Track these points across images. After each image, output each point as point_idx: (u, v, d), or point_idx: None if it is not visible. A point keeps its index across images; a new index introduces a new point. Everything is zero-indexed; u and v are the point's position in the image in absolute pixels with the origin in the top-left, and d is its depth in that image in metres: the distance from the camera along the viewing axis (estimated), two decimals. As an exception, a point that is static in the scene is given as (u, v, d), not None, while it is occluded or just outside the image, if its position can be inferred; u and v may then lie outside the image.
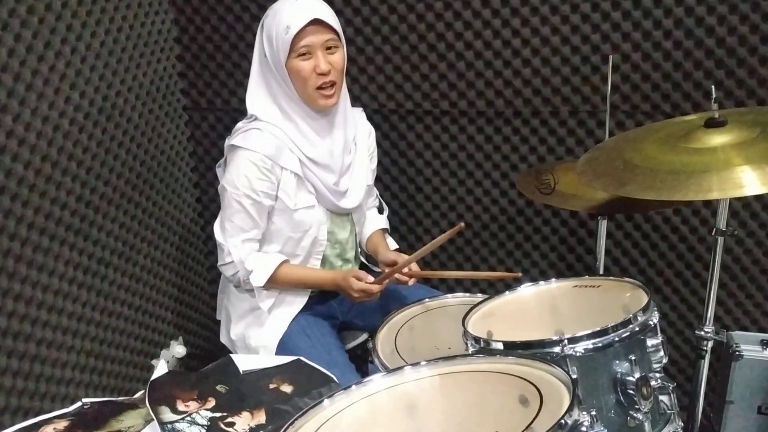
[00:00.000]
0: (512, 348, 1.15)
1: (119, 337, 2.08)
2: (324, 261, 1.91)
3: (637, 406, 1.13)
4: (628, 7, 1.95)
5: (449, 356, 1.11)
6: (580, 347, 1.12)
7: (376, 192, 2.12)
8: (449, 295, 1.84)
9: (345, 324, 2.01)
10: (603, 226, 1.86)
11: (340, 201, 1.85)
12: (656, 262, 2.21)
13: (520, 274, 1.66)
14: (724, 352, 2.26)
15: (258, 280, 1.77)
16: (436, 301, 1.83)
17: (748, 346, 2.24)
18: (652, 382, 1.14)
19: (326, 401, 1.05)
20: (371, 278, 1.75)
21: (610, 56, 1.70)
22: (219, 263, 1.82)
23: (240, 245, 1.78)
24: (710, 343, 1.49)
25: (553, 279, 1.43)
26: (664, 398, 1.22)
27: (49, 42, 1.79)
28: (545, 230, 2.29)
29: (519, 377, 0.99)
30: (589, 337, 1.14)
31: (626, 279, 1.35)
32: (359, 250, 2.03)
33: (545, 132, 2.16)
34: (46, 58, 1.78)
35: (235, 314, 1.92)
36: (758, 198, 2.06)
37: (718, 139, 1.34)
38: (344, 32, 2.22)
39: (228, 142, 1.80)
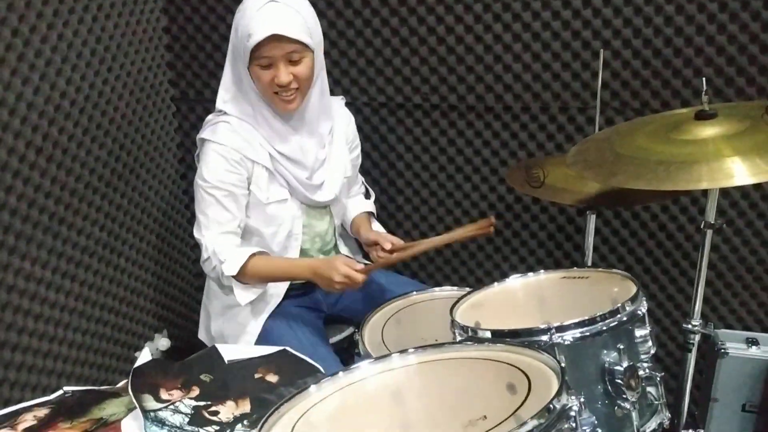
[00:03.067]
0: (500, 336, 1.14)
1: (102, 327, 2.05)
2: (305, 255, 1.89)
3: (624, 396, 1.12)
4: (619, 4, 1.95)
5: (438, 344, 1.10)
6: (568, 336, 1.12)
7: (361, 179, 2.11)
8: (436, 289, 1.83)
9: (331, 317, 1.99)
10: (591, 221, 1.86)
11: (315, 194, 1.83)
12: (643, 258, 2.21)
13: (493, 219, 1.61)
14: (709, 349, 2.27)
15: (230, 269, 1.71)
16: (423, 294, 1.83)
17: (734, 344, 2.25)
18: (640, 372, 1.14)
19: (312, 387, 1.04)
20: (360, 266, 1.69)
21: (601, 51, 1.70)
22: (201, 261, 1.78)
23: (216, 237, 1.73)
24: (697, 337, 1.50)
25: (542, 270, 1.42)
26: (651, 389, 1.21)
27: (35, 27, 1.77)
28: (533, 226, 2.28)
29: (507, 364, 0.99)
30: (577, 325, 1.13)
31: (614, 270, 1.34)
32: (338, 241, 2.00)
33: (535, 128, 2.16)
34: (31, 43, 1.76)
35: (213, 311, 1.90)
36: (745, 195, 2.07)
37: (707, 131, 1.34)
38: (334, 24, 2.23)
39: (198, 135, 1.78)
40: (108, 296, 2.08)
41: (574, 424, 0.87)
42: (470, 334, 1.19)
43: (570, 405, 0.85)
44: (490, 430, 0.80)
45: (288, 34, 1.61)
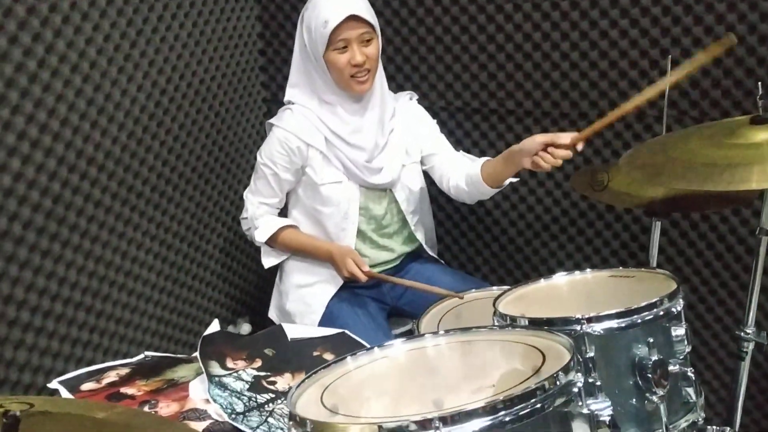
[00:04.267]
0: (535, 325, 1.19)
1: (188, 307, 2.22)
2: (362, 236, 2.00)
3: (654, 390, 1.14)
4: (679, 13, 1.93)
5: (467, 327, 1.16)
6: (599, 327, 1.15)
7: (460, 151, 2.11)
8: (494, 288, 1.88)
9: (394, 309, 2.08)
10: (657, 228, 1.85)
11: (372, 177, 1.95)
12: (693, 260, 2.15)
13: (462, 296, 1.79)
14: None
15: (261, 236, 1.98)
16: (482, 292, 1.87)
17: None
18: (671, 368, 1.16)
19: (349, 359, 1.13)
20: (366, 268, 1.91)
21: (669, 58, 1.70)
22: (240, 217, 2.08)
23: (257, 205, 2.01)
24: (751, 345, 1.47)
25: (588, 269, 1.45)
26: (688, 389, 1.22)
27: (141, 30, 1.98)
28: (599, 225, 2.27)
29: (527, 345, 1.04)
30: (608, 317, 1.16)
31: (659, 270, 1.36)
32: (414, 229, 2.07)
33: (610, 134, 2.16)
34: (137, 45, 1.97)
35: (284, 291, 2.04)
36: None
37: (762, 135, 1.33)
38: (413, 30, 2.33)
39: (268, 123, 2.01)
40: (195, 279, 2.26)
41: (580, 403, 0.92)
42: (508, 322, 1.24)
43: (575, 381, 0.90)
44: (496, 394, 0.86)
45: (361, 15, 1.81)
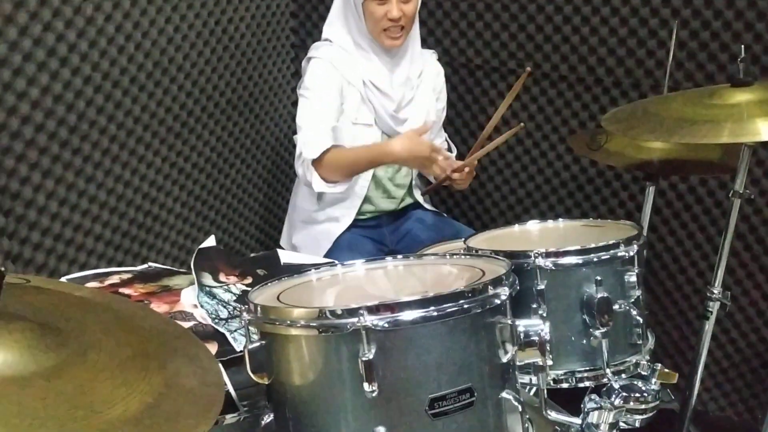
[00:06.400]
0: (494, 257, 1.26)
1: (197, 232, 2.33)
2: (376, 182, 2.09)
3: (597, 326, 1.21)
4: None
5: (423, 254, 1.25)
6: (549, 262, 1.22)
7: (445, 135, 2.26)
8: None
9: (392, 252, 2.17)
10: (650, 192, 1.89)
11: (398, 127, 2.04)
12: (669, 220, 2.20)
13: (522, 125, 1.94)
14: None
15: (312, 151, 1.90)
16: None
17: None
18: (615, 307, 1.22)
19: (312, 270, 1.23)
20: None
21: (675, 24, 1.72)
22: (295, 162, 2.01)
23: (307, 131, 1.95)
24: (716, 305, 1.51)
25: (561, 219, 1.51)
26: (636, 331, 1.28)
27: (173, -34, 2.08)
28: (588, 189, 2.34)
29: (473, 267, 1.12)
30: (561, 254, 1.23)
31: (627, 222, 1.41)
32: (413, 186, 2.17)
33: (606, 101, 2.21)
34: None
35: (294, 223, 2.15)
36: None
37: (740, 97, 1.36)
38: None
39: (304, 60, 2.06)
40: (212, 210, 2.37)
41: (506, 318, 0.99)
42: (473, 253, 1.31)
43: (499, 293, 0.97)
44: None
45: None
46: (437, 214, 2.23)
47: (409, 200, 2.20)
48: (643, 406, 1.16)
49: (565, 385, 1.27)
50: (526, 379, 1.22)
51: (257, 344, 0.99)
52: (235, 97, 2.41)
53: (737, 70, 1.39)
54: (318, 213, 2.10)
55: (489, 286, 0.97)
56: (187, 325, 1.45)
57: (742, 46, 1.39)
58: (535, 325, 1.05)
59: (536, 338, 1.03)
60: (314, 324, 0.93)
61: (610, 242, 1.24)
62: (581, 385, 1.24)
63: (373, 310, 0.91)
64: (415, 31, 2.07)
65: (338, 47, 2.02)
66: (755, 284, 2.20)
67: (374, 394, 0.90)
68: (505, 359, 0.99)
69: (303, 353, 0.96)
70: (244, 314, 1.01)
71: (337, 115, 1.98)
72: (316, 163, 1.93)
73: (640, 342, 1.27)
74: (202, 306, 1.51)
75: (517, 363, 1.04)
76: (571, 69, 2.21)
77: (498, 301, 0.97)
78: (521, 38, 2.31)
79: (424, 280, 1.17)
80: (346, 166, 1.96)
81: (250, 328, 1.00)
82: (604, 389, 1.19)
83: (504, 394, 0.98)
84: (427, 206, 2.23)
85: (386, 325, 0.90)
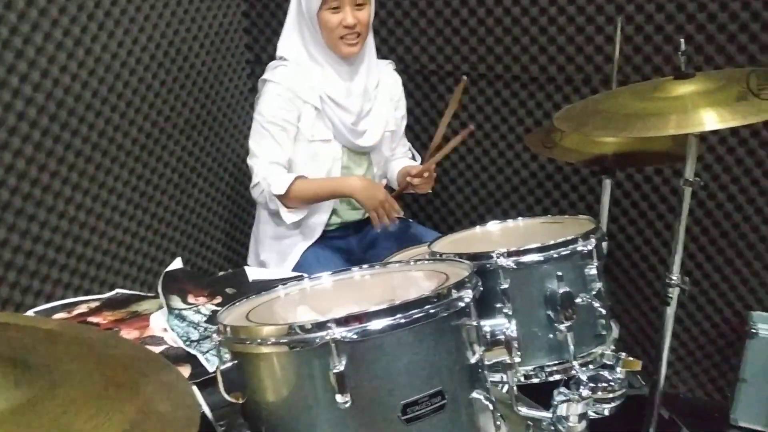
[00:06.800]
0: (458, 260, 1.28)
1: (163, 255, 2.33)
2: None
3: (561, 321, 1.24)
4: None
5: (388, 262, 1.27)
6: (511, 261, 1.25)
7: (408, 145, 2.29)
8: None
9: (360, 262, 2.18)
10: (607, 186, 1.94)
11: (357, 140, 2.05)
12: (628, 210, 2.28)
13: (472, 128, 1.99)
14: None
15: (278, 188, 1.94)
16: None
17: (766, 325, 2.24)
18: (577, 300, 1.25)
19: (280, 287, 1.24)
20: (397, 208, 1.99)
21: (620, 18, 1.78)
22: (250, 187, 2.04)
23: (267, 166, 1.97)
24: (676, 291, 1.56)
25: (520, 218, 1.55)
26: (600, 322, 1.31)
27: (123, -11, 2.08)
28: (548, 185, 2.40)
29: (438, 271, 1.14)
30: (522, 252, 1.26)
31: (584, 216, 1.45)
32: None
33: (560, 98, 2.27)
34: (118, 2, 2.06)
35: (261, 240, 2.15)
36: None
37: (684, 89, 1.41)
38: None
39: (260, 78, 2.05)
40: (176, 231, 2.37)
41: (471, 320, 1.01)
42: (437, 257, 1.34)
43: (463, 297, 1.00)
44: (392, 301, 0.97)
45: None
46: (403, 220, 2.25)
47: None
48: (610, 395, 1.20)
49: (535, 380, 1.30)
50: (497, 377, 1.25)
51: (229, 364, 1.00)
52: (194, 117, 2.41)
53: (679, 63, 1.44)
54: (284, 228, 2.11)
55: (453, 290, 0.99)
56: (158, 349, 1.46)
57: (682, 39, 1.44)
58: (501, 324, 1.08)
59: (502, 337, 1.06)
60: (284, 340, 0.95)
61: (569, 238, 1.28)
62: (551, 379, 1.27)
63: (342, 322, 0.93)
64: (371, 41, 2.08)
65: (294, 65, 2.01)
66: (715, 267, 2.27)
67: (347, 405, 0.92)
68: (473, 360, 1.01)
69: (275, 370, 0.97)
70: (215, 335, 1.02)
71: (291, 143, 2.00)
72: (281, 196, 1.97)
73: (604, 333, 1.31)
74: (172, 329, 1.51)
75: (486, 362, 1.07)
76: (524, 69, 2.26)
77: (462, 304, 0.99)
78: (473, 42, 2.35)
79: (391, 288, 1.19)
80: (309, 198, 2.01)
81: (221, 348, 1.01)
82: (572, 381, 1.22)
83: (474, 394, 1.00)
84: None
85: (355, 336, 0.92)
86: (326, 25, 1.94)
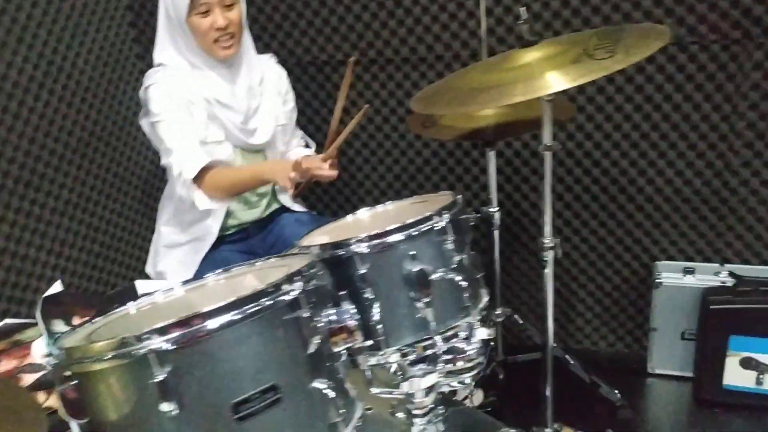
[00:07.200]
0: (323, 250, 1.28)
1: (67, 276, 2.29)
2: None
3: (419, 298, 1.25)
4: None
5: (250, 262, 1.27)
6: (365, 246, 1.25)
7: (301, 133, 2.28)
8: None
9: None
10: (492, 158, 1.96)
11: (249, 138, 2.04)
12: (503, 186, 2.35)
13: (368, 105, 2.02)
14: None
15: (189, 172, 1.90)
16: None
17: (670, 274, 2.30)
18: (432, 276, 1.26)
19: (130, 303, 1.23)
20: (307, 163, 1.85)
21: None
22: (177, 187, 1.96)
23: (180, 150, 1.92)
24: (551, 253, 1.58)
25: (389, 202, 1.55)
26: (464, 295, 1.32)
27: (5, 8, 2.03)
28: (435, 162, 2.43)
29: (287, 266, 1.14)
30: (375, 237, 1.26)
31: (444, 192, 1.46)
32: (276, 190, 2.19)
33: (433, 75, 2.30)
34: (1, 23, 2.01)
35: (158, 250, 2.13)
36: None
37: (530, 56, 1.42)
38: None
39: (141, 90, 1.99)
40: (82, 251, 2.33)
41: (303, 312, 1.01)
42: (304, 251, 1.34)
43: (291, 290, 1.00)
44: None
45: None
46: (305, 213, 2.25)
47: (275, 206, 2.22)
48: (468, 365, 1.21)
49: (410, 359, 1.31)
50: (373, 360, 1.27)
51: (66, 386, 0.99)
52: (86, 135, 2.37)
53: (522, 32, 1.46)
54: (181, 235, 2.09)
55: (284, 284, 0.99)
56: (35, 376, 1.44)
57: (523, 8, 1.45)
58: (344, 311, 1.08)
59: (343, 324, 1.06)
60: (108, 356, 0.94)
61: (420, 217, 1.28)
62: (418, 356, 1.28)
63: (162, 331, 0.92)
64: (247, 39, 2.06)
65: (173, 69, 1.99)
66: (618, 223, 2.33)
67: (176, 412, 0.91)
68: (310, 350, 1.01)
69: (109, 386, 0.96)
70: (46, 360, 1.00)
71: (199, 128, 1.95)
72: (197, 181, 1.92)
73: (468, 304, 1.32)
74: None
75: (335, 350, 1.07)
76: (395, 51, 2.27)
77: (290, 297, 0.99)
78: (343, 30, 2.36)
79: (242, 289, 1.18)
80: (227, 186, 1.96)
81: (55, 373, 0.99)
82: (431, 356, 1.24)
83: (315, 384, 1.00)
84: (296, 208, 2.25)
85: (173, 345, 0.91)
86: (197, 30, 1.91)
